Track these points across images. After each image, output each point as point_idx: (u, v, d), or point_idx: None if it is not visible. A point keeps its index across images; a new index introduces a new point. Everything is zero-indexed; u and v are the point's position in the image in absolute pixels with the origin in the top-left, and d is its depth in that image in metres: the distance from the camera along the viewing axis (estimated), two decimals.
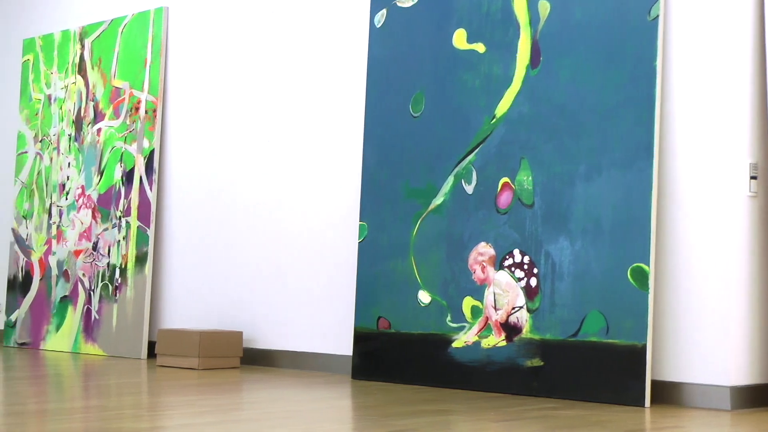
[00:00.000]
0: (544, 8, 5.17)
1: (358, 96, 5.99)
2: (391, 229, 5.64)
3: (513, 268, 5.16)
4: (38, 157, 7.88)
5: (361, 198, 5.79)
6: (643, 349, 4.69)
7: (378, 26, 5.82)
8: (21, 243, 7.92)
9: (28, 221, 7.89)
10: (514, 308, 5.13)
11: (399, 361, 5.52)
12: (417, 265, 5.52)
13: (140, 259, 6.98)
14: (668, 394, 4.76)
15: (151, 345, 6.96)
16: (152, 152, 7.01)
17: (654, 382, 4.80)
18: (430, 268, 5.46)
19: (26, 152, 8.00)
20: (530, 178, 5.14)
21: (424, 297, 5.47)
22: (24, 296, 7.81)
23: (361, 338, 5.70)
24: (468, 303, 5.30)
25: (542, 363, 5.00)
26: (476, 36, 5.40)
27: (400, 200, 5.63)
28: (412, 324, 5.50)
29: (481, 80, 5.35)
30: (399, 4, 5.73)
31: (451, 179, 5.43)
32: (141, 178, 7.05)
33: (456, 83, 5.45)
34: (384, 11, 5.80)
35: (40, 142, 7.88)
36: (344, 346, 5.95)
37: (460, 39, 5.47)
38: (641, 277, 4.73)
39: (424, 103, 5.58)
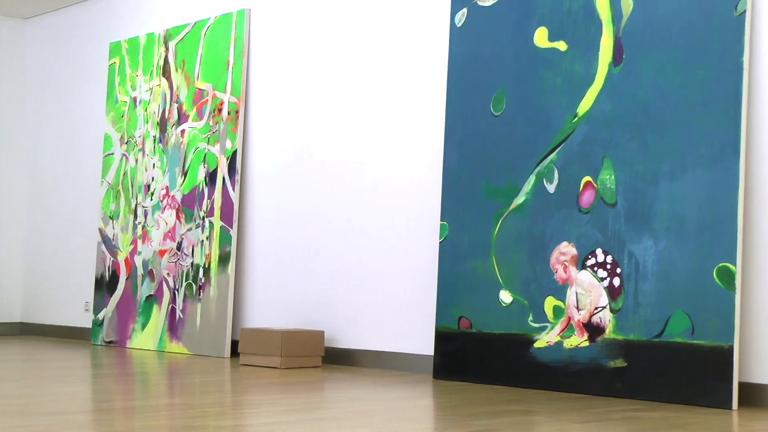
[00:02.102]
0: (627, 5, 5.10)
1: (439, 96, 5.98)
2: (472, 228, 5.62)
3: (595, 268, 5.10)
4: (124, 158, 8.01)
5: (442, 198, 5.79)
6: (730, 350, 4.61)
7: (458, 25, 5.80)
8: (108, 243, 8.05)
9: (114, 222, 8.02)
10: (596, 308, 5.08)
11: (480, 360, 5.50)
12: (498, 265, 5.49)
13: (223, 259, 7.05)
14: (757, 397, 4.67)
15: (234, 344, 7.03)
16: (235, 153, 7.08)
17: (741, 384, 4.71)
18: (511, 268, 5.43)
19: (112, 154, 8.14)
20: (613, 176, 5.08)
21: (505, 297, 5.44)
22: (111, 295, 7.94)
23: (442, 338, 5.69)
24: (550, 303, 5.26)
25: (626, 363, 4.94)
26: (558, 34, 5.36)
27: (481, 200, 5.60)
28: (493, 324, 5.48)
29: (563, 78, 5.31)
30: (479, 3, 5.71)
31: (532, 178, 5.39)
32: (224, 178, 7.13)
33: (537, 82, 5.41)
34: (464, 10, 5.78)
35: (126, 143, 8.00)
36: (426, 346, 5.94)
37: (541, 37, 5.43)
38: (727, 276, 4.65)
39: (505, 102, 5.55)
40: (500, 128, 5.55)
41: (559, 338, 5.20)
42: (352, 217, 6.43)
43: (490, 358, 5.46)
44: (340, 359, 6.41)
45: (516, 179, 5.45)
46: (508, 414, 4.34)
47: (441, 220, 5.77)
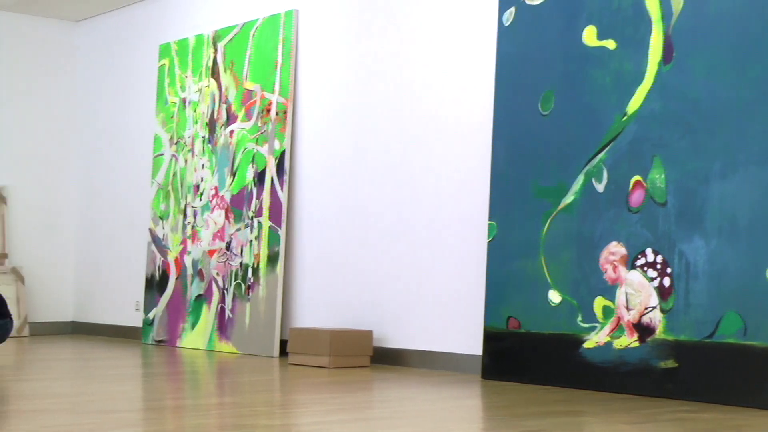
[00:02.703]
0: (677, 3, 5.06)
1: (487, 95, 5.96)
2: (520, 228, 5.60)
3: (645, 268, 5.06)
4: (174, 159, 8.07)
5: (490, 197, 5.77)
6: None
7: (506, 24, 5.78)
8: (158, 243, 8.12)
9: (164, 222, 8.09)
10: (647, 308, 5.04)
11: (529, 361, 5.48)
12: (547, 265, 5.47)
13: (272, 259, 7.08)
14: None
15: (283, 343, 7.06)
16: (283, 153, 7.11)
17: None
18: (560, 268, 5.40)
19: (162, 154, 8.21)
20: (663, 175, 5.04)
21: (554, 297, 5.42)
22: (161, 295, 8.01)
23: (491, 338, 5.67)
24: (599, 303, 5.23)
25: (677, 364, 4.89)
26: (607, 32, 5.32)
27: (529, 199, 5.58)
28: (542, 324, 5.45)
29: (612, 77, 5.27)
30: (528, 2, 5.69)
31: (581, 178, 5.36)
32: (272, 178, 7.16)
33: (586, 81, 5.38)
34: (512, 9, 5.76)
35: (176, 144, 8.07)
36: (474, 346, 5.93)
37: (590, 36, 5.40)
38: None
39: (553, 101, 5.52)
40: (549, 127, 5.53)
41: (608, 338, 5.16)
42: (400, 216, 6.43)
43: (539, 359, 5.44)
44: (388, 359, 6.41)
45: (565, 179, 5.43)
46: (557, 414, 4.32)
47: (489, 220, 5.76)
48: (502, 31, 5.80)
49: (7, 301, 6.14)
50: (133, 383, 5.53)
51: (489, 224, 5.76)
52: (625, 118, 5.21)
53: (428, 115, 6.30)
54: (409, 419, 4.15)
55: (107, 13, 9.10)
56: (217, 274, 7.49)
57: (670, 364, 4.91)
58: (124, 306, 8.69)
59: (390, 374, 5.88)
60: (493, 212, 5.74)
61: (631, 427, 4.02)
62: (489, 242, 5.74)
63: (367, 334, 6.35)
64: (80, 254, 9.31)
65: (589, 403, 4.72)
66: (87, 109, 9.31)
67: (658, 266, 5.02)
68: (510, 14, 5.77)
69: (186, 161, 7.93)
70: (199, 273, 7.66)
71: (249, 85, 7.45)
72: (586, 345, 5.25)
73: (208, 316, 7.51)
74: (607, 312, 5.18)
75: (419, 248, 6.29)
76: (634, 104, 5.18)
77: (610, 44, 5.30)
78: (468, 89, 6.08)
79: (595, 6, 5.37)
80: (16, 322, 8.76)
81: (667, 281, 4.97)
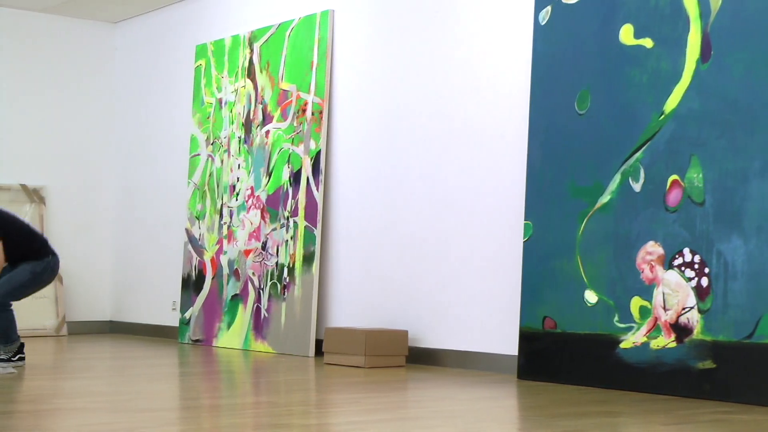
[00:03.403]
0: (716, 1, 5.01)
1: (523, 94, 5.94)
2: (556, 227, 5.58)
3: (683, 268, 5.03)
4: (210, 159, 8.11)
5: (526, 197, 5.75)
6: None
7: (542, 23, 5.76)
8: (194, 243, 8.16)
9: (200, 222, 8.13)
10: (684, 309, 5.00)
11: (565, 361, 5.46)
12: (583, 265, 5.44)
13: (307, 259, 7.09)
14: None
15: (319, 343, 7.07)
16: (319, 153, 7.12)
17: None
18: (596, 268, 5.37)
19: (198, 155, 8.24)
20: (701, 175, 5.00)
21: (590, 297, 5.39)
22: (197, 294, 8.04)
23: (526, 338, 5.65)
24: (636, 303, 5.19)
25: (714, 365, 4.85)
26: (644, 31, 5.29)
27: (565, 199, 5.56)
28: (578, 324, 5.43)
29: (649, 76, 5.24)
30: (564, 1, 5.66)
31: (618, 177, 5.33)
32: (308, 178, 7.17)
33: (623, 79, 5.35)
34: (548, 8, 5.74)
35: (212, 144, 8.10)
36: (510, 346, 5.91)
37: (626, 34, 5.37)
38: None
39: (590, 100, 5.50)
40: (585, 126, 5.50)
41: (645, 339, 5.13)
42: (435, 217, 6.42)
43: (575, 359, 5.41)
44: (423, 359, 6.41)
45: (601, 178, 5.40)
46: (593, 415, 4.29)
47: (525, 220, 5.74)
48: (538, 30, 5.78)
49: (48, 240, 6.17)
50: (170, 382, 5.57)
51: (525, 224, 5.74)
52: (663, 117, 5.17)
53: (464, 114, 6.29)
54: (444, 419, 4.14)
55: (145, 15, 9.16)
56: (253, 273, 7.52)
57: (708, 364, 4.87)
58: (161, 305, 8.74)
59: (425, 374, 5.87)
60: (529, 212, 5.72)
61: (668, 428, 3.99)
62: (525, 242, 5.73)
63: (403, 334, 6.35)
64: (118, 254, 9.37)
65: (625, 403, 4.69)
66: (124, 110, 9.37)
67: (696, 266, 4.98)
68: (546, 13, 5.75)
69: (222, 161, 7.97)
70: (235, 273, 7.69)
71: (285, 85, 7.47)
72: (622, 345, 5.22)
73: (243, 315, 7.54)
74: (644, 312, 5.15)
75: (455, 248, 6.28)
76: (672, 103, 5.14)
77: (647, 43, 5.27)
78: (504, 89, 6.06)
79: (631, 4, 5.34)
80: (54, 322, 8.83)
81: (705, 281, 4.93)
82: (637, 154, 5.25)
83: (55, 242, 9.13)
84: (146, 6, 8.90)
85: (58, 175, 9.19)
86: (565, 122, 5.59)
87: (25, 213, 8.95)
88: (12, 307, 6.08)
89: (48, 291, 8.85)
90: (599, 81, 5.45)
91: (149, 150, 9.03)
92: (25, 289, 6.05)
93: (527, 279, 5.68)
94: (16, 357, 5.98)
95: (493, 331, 6.01)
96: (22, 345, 6.04)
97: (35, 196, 9.03)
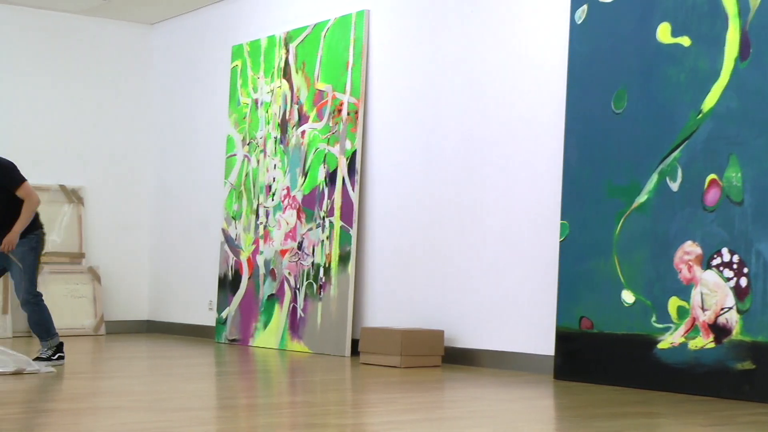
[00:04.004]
0: None
1: (559, 94, 5.92)
2: (593, 227, 5.55)
3: (721, 268, 4.98)
4: (246, 159, 8.13)
5: (562, 196, 5.73)
6: None
7: (579, 23, 5.74)
8: (230, 243, 8.19)
9: (237, 222, 8.16)
10: (723, 309, 4.96)
11: (602, 361, 5.43)
12: (620, 265, 5.41)
13: (343, 259, 7.10)
14: None
15: (355, 343, 7.07)
16: (354, 153, 7.13)
17: None
18: (633, 268, 5.34)
19: (235, 155, 8.28)
20: (740, 174, 4.95)
21: (627, 297, 5.36)
22: (234, 294, 8.07)
23: (563, 338, 5.63)
24: (674, 303, 5.16)
25: (754, 366, 4.81)
26: (681, 29, 5.25)
27: (602, 198, 5.53)
28: (615, 324, 5.39)
29: (687, 74, 5.20)
30: (600, 0, 5.64)
31: (655, 177, 5.29)
32: (344, 178, 7.18)
33: (660, 78, 5.31)
34: (585, 7, 5.71)
35: (248, 144, 8.13)
36: (546, 346, 5.88)
37: (664, 33, 5.33)
38: None
39: (626, 99, 5.46)
40: (622, 126, 5.47)
41: (683, 339, 5.09)
42: (472, 216, 6.41)
43: (613, 359, 5.38)
44: (459, 359, 6.40)
45: (638, 177, 5.36)
46: (631, 416, 4.27)
47: (561, 220, 5.72)
48: (575, 30, 5.75)
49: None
50: (207, 382, 5.59)
51: (561, 224, 5.71)
52: (701, 115, 5.13)
53: (499, 114, 6.27)
54: (480, 419, 4.14)
55: (182, 16, 9.21)
56: (289, 273, 7.54)
57: (747, 365, 4.83)
58: (198, 305, 8.78)
59: (461, 374, 5.86)
60: (565, 212, 5.70)
61: (706, 429, 3.96)
62: (561, 242, 5.70)
63: (439, 334, 6.34)
64: (155, 254, 9.43)
65: (663, 404, 4.66)
66: (161, 111, 9.42)
67: (735, 266, 4.93)
68: (582, 12, 5.72)
69: (258, 162, 7.99)
70: (271, 272, 7.72)
71: (320, 85, 7.48)
72: (660, 346, 5.18)
73: (280, 315, 7.56)
74: (682, 312, 5.11)
75: (491, 248, 6.26)
76: (710, 102, 5.10)
77: (685, 41, 5.23)
78: (540, 88, 6.04)
79: (669, 2, 5.30)
80: (92, 321, 8.89)
81: (743, 281, 4.89)
82: (675, 154, 5.21)
83: (94, 243, 9.20)
84: (183, 7, 8.95)
85: (96, 176, 9.26)
86: (602, 122, 5.56)
87: (64, 213, 9.03)
88: (43, 299, 6.12)
89: (86, 290, 8.92)
90: (636, 80, 5.42)
91: (186, 150, 9.08)
92: (37, 270, 6.13)
93: (564, 279, 5.66)
94: (56, 356, 6.03)
95: (530, 331, 5.99)
96: (61, 344, 6.09)
97: (74, 196, 9.10)
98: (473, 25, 6.46)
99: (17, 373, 5.54)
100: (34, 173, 8.96)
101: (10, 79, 8.87)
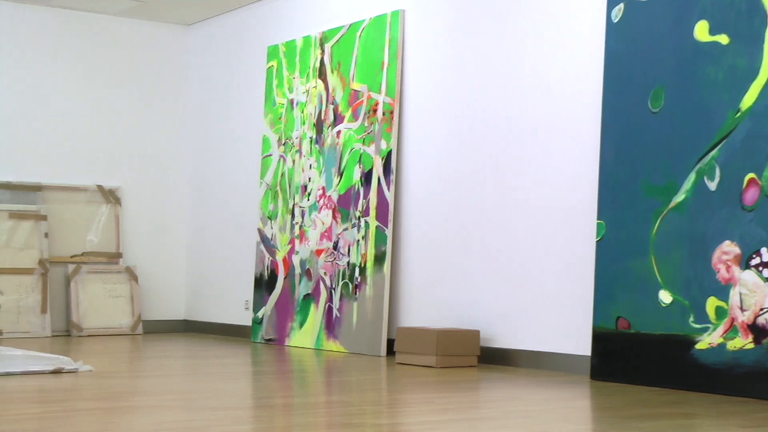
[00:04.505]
0: None
1: (595, 93, 5.89)
2: (630, 227, 5.52)
3: (760, 268, 4.94)
4: (282, 159, 8.16)
5: (598, 196, 5.70)
6: None
7: (615, 21, 5.71)
8: (266, 243, 8.22)
9: (272, 222, 8.18)
10: (762, 309, 4.91)
11: (639, 362, 5.40)
12: (657, 264, 5.37)
13: (379, 258, 7.11)
14: None
15: (390, 342, 7.08)
16: (390, 153, 7.13)
17: None
18: (671, 268, 5.31)
19: (270, 155, 8.30)
20: None
21: (665, 297, 5.32)
22: (270, 294, 8.10)
23: (600, 338, 5.60)
24: (712, 303, 5.12)
25: None
26: (719, 27, 5.21)
27: (639, 198, 5.49)
28: (652, 324, 5.36)
29: (725, 73, 5.16)
30: None
31: (692, 176, 5.25)
32: (379, 178, 7.18)
33: (697, 77, 5.27)
34: (621, 6, 5.68)
35: (284, 145, 8.15)
36: (582, 346, 5.86)
37: (701, 31, 5.29)
38: None
39: (663, 98, 5.43)
40: (659, 125, 5.43)
41: (722, 340, 5.05)
42: (507, 215, 6.39)
43: (650, 360, 5.35)
44: (495, 359, 6.38)
45: (675, 177, 5.33)
46: (668, 417, 4.24)
47: (598, 219, 5.69)
48: (611, 28, 5.72)
49: None
50: (243, 381, 5.61)
51: (597, 223, 5.68)
52: (739, 114, 5.09)
53: (535, 113, 6.25)
54: (516, 419, 4.12)
55: (217, 17, 9.25)
56: (325, 273, 7.55)
57: None
58: (234, 305, 8.82)
59: (497, 374, 5.85)
60: (602, 211, 5.67)
61: (745, 431, 3.93)
62: (597, 241, 5.67)
63: (475, 334, 6.33)
64: (191, 254, 9.48)
65: (701, 405, 4.62)
66: (197, 112, 9.47)
67: None
68: (619, 11, 5.69)
69: (294, 162, 8.01)
70: (306, 272, 7.73)
71: (356, 85, 7.49)
72: (698, 346, 5.15)
73: (315, 315, 7.58)
74: (720, 313, 5.07)
75: (527, 247, 6.25)
76: (748, 100, 5.06)
77: (723, 39, 5.19)
78: (575, 87, 6.01)
79: (706, 0, 5.26)
80: (130, 320, 8.95)
81: None
82: (713, 153, 5.17)
83: (131, 242, 9.27)
84: (219, 8, 8.99)
85: (133, 176, 9.32)
86: (639, 121, 5.52)
87: (102, 213, 9.09)
88: None
89: (124, 290, 8.98)
90: (673, 78, 5.38)
91: (222, 151, 9.12)
92: None
93: (600, 279, 5.63)
94: None
95: (566, 331, 5.97)
96: None
97: (111, 196, 9.17)
98: (508, 25, 6.44)
99: (56, 372, 5.59)
100: (72, 174, 9.05)
101: (48, 80, 8.95)
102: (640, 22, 5.57)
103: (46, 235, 8.73)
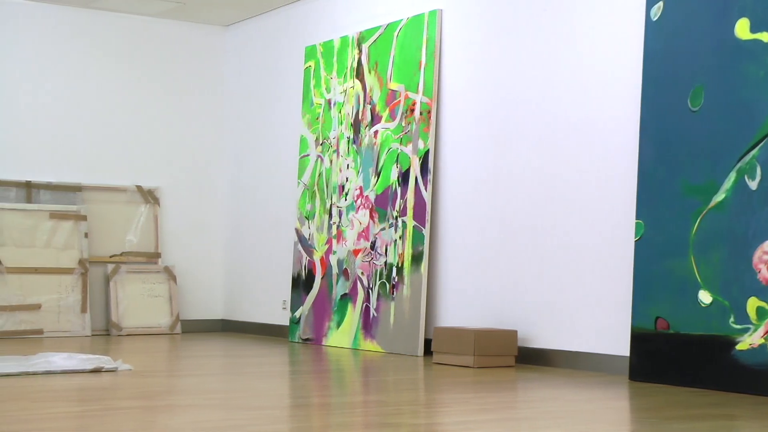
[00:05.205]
0: None
1: (634, 92, 5.85)
2: (669, 227, 5.47)
3: None
4: (319, 159, 8.17)
5: (637, 195, 5.66)
6: None
7: (654, 19, 5.67)
8: (304, 242, 8.24)
9: (310, 222, 8.20)
10: None
11: (679, 362, 5.35)
12: (697, 264, 5.33)
13: (416, 258, 7.10)
14: None
15: (428, 342, 7.07)
16: (427, 153, 7.12)
17: None
18: (711, 268, 5.26)
19: (308, 155, 8.32)
20: None
21: (705, 297, 5.28)
22: (307, 294, 8.12)
23: (638, 338, 5.56)
24: (753, 304, 5.07)
25: None
26: (761, 25, 5.15)
27: (678, 197, 5.45)
28: (692, 325, 5.32)
29: (766, 71, 5.10)
30: None
31: (733, 175, 5.20)
32: (416, 178, 7.18)
33: (738, 75, 5.22)
34: (660, 4, 5.64)
35: (321, 145, 8.17)
36: (621, 347, 5.82)
37: (742, 29, 5.24)
38: None
39: (703, 97, 5.38)
40: (698, 124, 5.39)
41: (763, 340, 5.00)
42: (545, 215, 6.36)
43: (689, 360, 5.30)
44: (533, 359, 6.36)
45: (715, 176, 5.28)
46: (708, 418, 4.20)
47: (636, 219, 5.65)
48: (650, 26, 5.68)
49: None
50: (281, 381, 5.63)
51: (636, 223, 5.65)
52: None
53: (573, 112, 6.22)
54: (554, 420, 4.11)
55: (255, 18, 9.28)
56: (362, 273, 7.56)
57: None
58: (272, 304, 8.85)
59: (535, 374, 5.83)
60: (640, 211, 5.63)
61: None
62: (636, 241, 5.64)
63: (512, 334, 6.31)
64: (229, 253, 9.52)
65: (741, 406, 4.58)
66: (235, 112, 9.51)
67: None
68: (658, 9, 5.65)
69: (331, 162, 8.03)
70: (344, 272, 7.74)
71: (393, 85, 7.49)
72: (738, 347, 5.10)
73: (353, 315, 7.58)
74: (761, 313, 5.02)
75: (564, 247, 6.22)
76: None
77: (765, 37, 5.13)
78: (614, 86, 5.98)
79: None
80: (168, 320, 9.01)
81: None
82: (754, 152, 5.12)
83: (170, 242, 9.32)
84: (256, 9, 9.02)
85: (172, 177, 9.37)
86: (678, 120, 5.48)
87: (141, 213, 9.16)
88: None
89: (162, 290, 9.03)
90: (713, 77, 5.33)
91: (259, 151, 9.15)
92: None
93: (639, 279, 5.59)
94: None
95: (604, 332, 5.93)
96: None
97: (150, 197, 9.23)
98: (546, 23, 6.42)
99: (95, 371, 5.64)
100: (111, 174, 9.12)
101: (87, 82, 9.03)
102: (680, 20, 5.52)
103: (86, 235, 8.80)
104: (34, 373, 5.48)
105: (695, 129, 5.39)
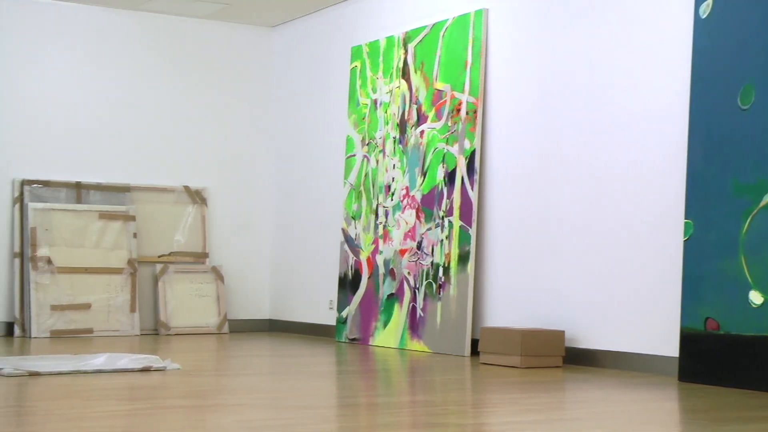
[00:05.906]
0: None
1: (683, 90, 5.80)
2: (718, 226, 5.42)
3: None
4: (365, 159, 8.18)
5: (686, 195, 5.61)
6: None
7: (703, 17, 5.61)
8: (350, 242, 8.25)
9: (356, 222, 8.21)
10: None
11: (729, 363, 5.30)
12: (748, 264, 5.27)
13: (463, 258, 7.09)
14: None
15: (474, 342, 7.05)
16: (473, 153, 7.11)
17: None
18: (762, 268, 5.20)
19: (354, 155, 8.33)
20: None
21: (756, 297, 5.22)
22: (354, 294, 8.13)
23: (688, 339, 5.51)
24: None
25: None
26: None
27: (728, 197, 5.39)
28: (743, 325, 5.26)
29: None
30: None
31: None
32: (463, 178, 7.16)
33: None
34: (709, 1, 5.59)
35: (367, 145, 8.18)
36: (670, 347, 5.77)
37: None
38: None
39: (754, 95, 5.32)
40: (749, 122, 5.33)
41: None
42: (592, 215, 6.33)
43: (740, 361, 5.25)
44: (581, 359, 6.32)
45: (766, 175, 5.22)
46: (759, 420, 4.16)
47: (686, 218, 5.60)
48: (699, 24, 5.63)
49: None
50: (328, 380, 5.64)
51: (685, 222, 5.60)
52: None
53: (620, 111, 6.18)
54: (602, 421, 4.08)
55: (301, 18, 9.32)
56: (409, 273, 7.56)
57: None
58: (318, 304, 8.87)
59: (582, 375, 5.79)
60: (690, 210, 5.58)
61: None
62: (685, 241, 5.59)
63: (559, 334, 6.28)
64: (276, 253, 9.56)
65: None
66: (282, 113, 9.55)
67: None
68: (707, 6, 5.60)
69: (377, 162, 8.03)
70: (390, 272, 7.75)
71: (439, 85, 7.48)
72: None
73: (399, 315, 7.59)
74: None
75: (612, 247, 6.18)
76: None
77: None
78: (662, 84, 5.93)
79: None
80: (216, 320, 9.06)
81: None
82: None
83: (217, 242, 9.38)
84: (303, 9, 9.05)
85: (219, 177, 9.43)
86: (728, 118, 5.43)
87: (188, 214, 9.22)
88: None
89: (210, 290, 9.09)
90: (764, 75, 5.27)
91: (306, 151, 9.18)
92: None
93: (688, 279, 5.54)
94: None
95: (653, 332, 5.89)
96: None
97: (197, 197, 9.29)
98: (593, 22, 6.38)
99: (144, 370, 5.69)
100: (159, 175, 9.20)
101: (135, 84, 9.11)
102: (729, 17, 5.47)
103: (135, 235, 8.88)
104: (85, 372, 5.55)
105: (745, 127, 5.34)
